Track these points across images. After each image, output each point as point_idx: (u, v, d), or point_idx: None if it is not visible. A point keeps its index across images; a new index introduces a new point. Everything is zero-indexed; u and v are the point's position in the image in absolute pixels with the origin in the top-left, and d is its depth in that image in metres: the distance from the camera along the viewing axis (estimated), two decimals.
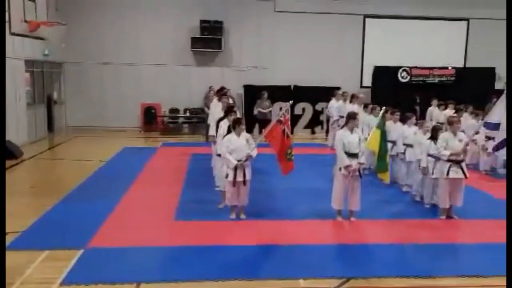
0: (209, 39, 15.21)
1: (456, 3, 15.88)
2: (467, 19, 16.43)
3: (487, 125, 7.03)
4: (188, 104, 15.70)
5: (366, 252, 5.63)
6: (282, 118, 6.59)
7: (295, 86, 15.38)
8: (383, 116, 6.77)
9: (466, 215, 6.92)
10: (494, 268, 5.13)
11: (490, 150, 8.78)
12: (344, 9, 15.72)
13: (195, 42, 15.29)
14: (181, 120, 16.07)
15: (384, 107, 7.17)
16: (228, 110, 7.33)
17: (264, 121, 13.96)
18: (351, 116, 6.63)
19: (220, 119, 7.29)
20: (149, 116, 15.73)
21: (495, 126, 6.83)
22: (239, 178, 6.40)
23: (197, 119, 15.49)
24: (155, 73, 15.66)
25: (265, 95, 14.09)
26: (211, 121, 8.39)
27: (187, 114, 15.80)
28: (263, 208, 7.15)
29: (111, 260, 5.14)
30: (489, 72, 15.78)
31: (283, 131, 6.53)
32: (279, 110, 13.85)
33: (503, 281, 4.84)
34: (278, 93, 14.76)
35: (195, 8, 15.32)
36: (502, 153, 7.55)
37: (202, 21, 15.21)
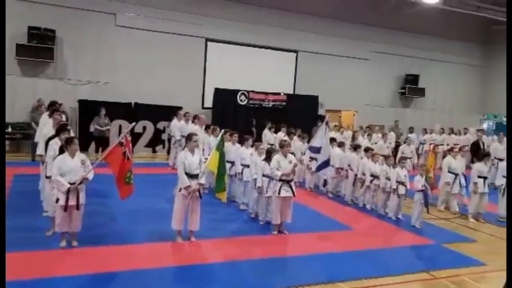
0: (38, 48, 13.81)
1: (287, 35, 17.56)
2: (296, 51, 18.30)
3: (311, 148, 7.91)
4: (11, 118, 13.94)
5: (204, 271, 5.74)
6: (123, 140, 6.35)
7: (136, 104, 14.99)
8: (222, 138, 7.06)
9: (295, 230, 7.60)
10: (321, 275, 5.77)
11: (313, 169, 9.87)
12: (186, 30, 16.02)
13: (21, 49, 13.72)
14: None
15: (223, 129, 7.50)
16: (60, 129, 6.75)
17: (101, 139, 13.24)
18: (189, 137, 6.75)
19: (50, 138, 6.68)
20: None
21: (317, 150, 7.73)
22: (72, 202, 5.92)
23: (21, 135, 13.86)
24: None
25: (103, 111, 13.39)
26: (40, 138, 7.63)
27: (9, 130, 13.99)
28: (100, 233, 6.74)
29: None
30: (314, 100, 17.76)
31: (124, 153, 6.30)
32: (119, 130, 13.55)
33: (328, 287, 5.48)
34: (118, 110, 14.18)
35: (24, 13, 13.83)
36: (323, 173, 8.54)
37: (30, 28, 13.76)
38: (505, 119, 21.92)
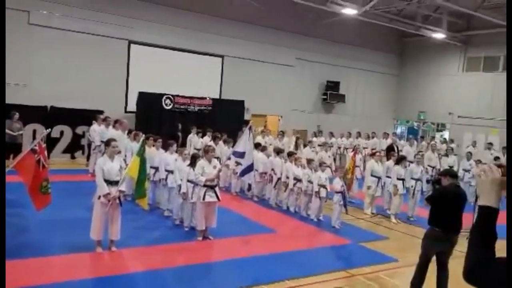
0: None
1: (214, 40, 17.57)
2: (222, 56, 18.38)
3: (235, 153, 7.98)
4: None
5: (125, 282, 5.57)
6: (36, 147, 5.97)
7: (52, 107, 14.17)
8: (143, 143, 6.90)
9: (220, 234, 7.61)
10: (245, 279, 5.83)
11: (238, 174, 9.95)
12: (108, 32, 15.44)
13: None
14: None
15: (146, 134, 7.33)
16: None
17: (14, 145, 12.31)
18: (108, 143, 6.53)
19: None
20: None
21: (241, 155, 7.82)
22: None
23: None
24: None
25: (16, 115, 12.48)
26: None
27: None
28: (11, 245, 6.26)
29: None
30: (240, 104, 17.94)
31: (38, 161, 5.93)
32: (33, 135, 12.67)
33: None
34: (32, 114, 13.30)
35: None
36: (247, 177, 8.64)
37: None
38: (415, 123, 23.68)
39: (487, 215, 1.76)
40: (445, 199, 5.56)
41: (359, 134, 18.02)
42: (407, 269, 6.45)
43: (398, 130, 24.15)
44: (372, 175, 10.45)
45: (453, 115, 21.02)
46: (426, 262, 5.68)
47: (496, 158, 13.03)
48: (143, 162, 6.57)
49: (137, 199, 6.83)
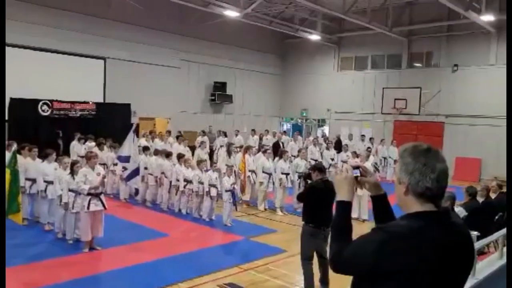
0: None
1: (94, 42, 16.70)
2: (104, 58, 17.57)
3: (120, 158, 7.75)
4: None
5: None
6: None
7: None
8: (14, 154, 6.38)
9: (109, 244, 7.33)
10: (136, 287, 5.69)
11: (124, 179, 9.67)
12: None
13: None
14: None
15: (18, 144, 6.77)
16: None
17: None
18: None
19: None
20: None
21: (126, 159, 7.62)
22: None
23: None
24: None
25: None
26: None
27: None
28: None
29: None
30: (126, 108, 17.32)
31: None
32: None
33: None
34: None
35: None
36: (133, 182, 8.42)
37: None
38: (299, 120, 25.09)
39: (343, 209, 2.03)
40: (314, 196, 5.75)
41: (254, 132, 18.55)
42: (294, 258, 6.85)
43: (284, 127, 25.38)
44: (263, 172, 10.86)
45: (331, 111, 22.70)
46: (308, 259, 5.78)
47: (368, 148, 14.40)
48: (14, 174, 6.07)
49: (10, 214, 6.29)
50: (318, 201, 5.65)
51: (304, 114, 24.19)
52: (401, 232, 1.75)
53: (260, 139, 18.30)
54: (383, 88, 20.02)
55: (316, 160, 13.82)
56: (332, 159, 14.44)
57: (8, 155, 8.70)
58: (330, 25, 21.66)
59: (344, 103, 21.97)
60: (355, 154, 13.19)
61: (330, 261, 1.96)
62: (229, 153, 11.91)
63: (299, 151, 12.36)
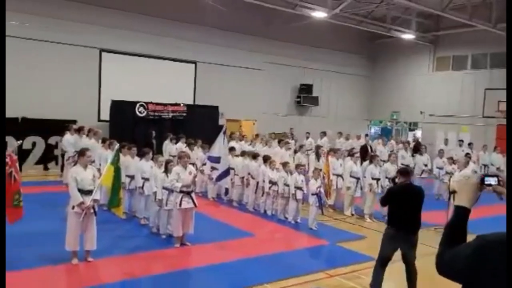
0: None
1: (186, 47, 17.53)
2: (195, 62, 18.35)
3: (210, 158, 7.98)
4: None
5: None
6: (8, 160, 5.85)
7: (24, 118, 13.87)
8: (117, 152, 6.84)
9: (198, 240, 7.58)
10: (224, 284, 5.83)
11: (214, 179, 9.95)
12: (78, 40, 15.24)
13: None
14: None
15: (121, 143, 7.27)
16: None
17: None
18: (82, 153, 6.46)
19: None
20: None
21: (216, 159, 7.82)
22: None
23: None
24: None
25: None
26: None
27: None
28: None
29: None
30: (214, 110, 17.92)
31: (10, 174, 5.82)
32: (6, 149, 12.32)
33: None
34: None
35: None
36: (224, 182, 8.64)
37: None
38: (389, 123, 24.11)
39: (462, 214, 1.97)
40: (392, 200, 5.65)
41: (340, 135, 18.20)
42: None
43: (372, 131, 24.54)
44: (351, 176, 10.55)
45: (424, 114, 21.50)
46: (383, 262, 5.61)
47: (467, 154, 13.38)
48: (117, 170, 6.51)
49: (112, 208, 6.76)
50: (397, 205, 5.54)
51: (395, 117, 23.19)
52: (498, 240, 1.69)
53: (346, 140, 17.87)
54: (485, 89, 18.53)
55: (407, 165, 13.16)
56: (426, 165, 13.64)
57: (109, 153, 9.45)
58: (426, 23, 20.55)
59: (439, 105, 20.71)
60: (452, 160, 12.34)
61: (440, 262, 1.93)
62: (317, 155, 11.75)
63: (389, 155, 11.83)
